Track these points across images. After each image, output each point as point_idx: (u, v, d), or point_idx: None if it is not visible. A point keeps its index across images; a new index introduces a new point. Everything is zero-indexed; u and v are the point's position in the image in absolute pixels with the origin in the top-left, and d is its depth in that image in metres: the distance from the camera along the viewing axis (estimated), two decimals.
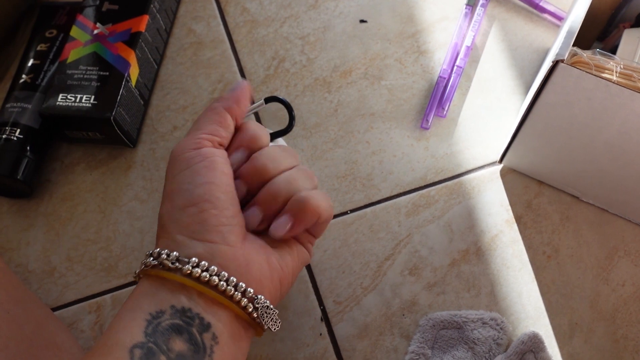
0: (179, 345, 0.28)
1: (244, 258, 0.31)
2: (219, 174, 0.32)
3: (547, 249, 0.46)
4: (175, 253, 0.30)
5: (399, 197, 0.48)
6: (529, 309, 0.44)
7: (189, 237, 0.31)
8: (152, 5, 0.51)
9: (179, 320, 0.29)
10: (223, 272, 0.30)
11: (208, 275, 0.30)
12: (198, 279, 0.30)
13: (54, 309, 0.45)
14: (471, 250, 0.46)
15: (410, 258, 0.46)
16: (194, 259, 0.30)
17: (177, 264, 0.30)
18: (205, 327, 0.29)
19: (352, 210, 0.48)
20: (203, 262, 0.30)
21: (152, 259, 0.31)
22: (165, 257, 0.30)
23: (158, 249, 0.31)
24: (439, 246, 0.46)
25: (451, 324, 0.43)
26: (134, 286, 0.34)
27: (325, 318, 0.44)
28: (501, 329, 0.43)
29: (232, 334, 0.30)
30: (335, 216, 0.48)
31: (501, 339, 0.43)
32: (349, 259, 0.46)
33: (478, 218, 0.47)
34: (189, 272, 0.30)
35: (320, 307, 0.45)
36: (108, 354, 0.27)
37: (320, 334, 0.44)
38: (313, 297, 0.45)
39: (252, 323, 0.32)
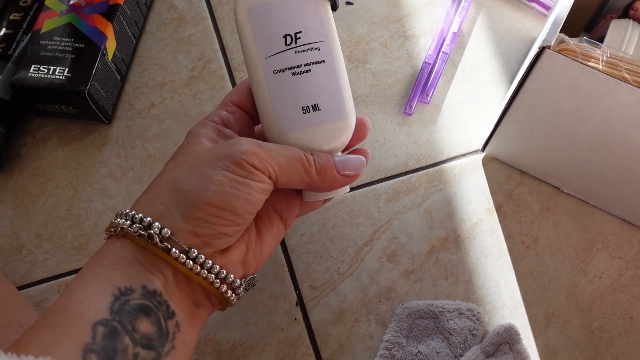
0: (145, 326, 0.27)
1: (220, 263, 0.31)
2: (260, 199, 0.31)
3: (526, 239, 0.46)
4: (166, 230, 0.29)
5: (379, 183, 0.48)
6: (505, 299, 0.44)
7: (190, 231, 0.29)
8: None
9: (149, 302, 0.28)
10: (210, 262, 0.30)
11: (199, 267, 0.29)
12: (190, 268, 0.29)
13: (21, 287, 0.44)
14: (450, 238, 0.46)
15: (389, 244, 0.45)
16: (191, 249, 0.29)
17: (166, 244, 0.29)
18: (170, 314, 0.29)
19: None
20: (192, 250, 0.29)
21: (137, 224, 0.29)
22: (157, 230, 0.28)
23: (149, 219, 0.29)
24: (418, 233, 0.46)
25: (427, 313, 0.43)
26: None
27: (300, 303, 0.44)
28: (477, 319, 0.43)
29: (191, 323, 0.30)
30: None
31: (477, 329, 0.42)
32: (326, 243, 0.45)
33: (458, 206, 0.47)
34: (176, 257, 0.29)
35: (295, 291, 0.44)
36: (68, 326, 0.25)
37: (295, 319, 0.43)
38: (289, 281, 0.44)
39: (215, 305, 0.32)
